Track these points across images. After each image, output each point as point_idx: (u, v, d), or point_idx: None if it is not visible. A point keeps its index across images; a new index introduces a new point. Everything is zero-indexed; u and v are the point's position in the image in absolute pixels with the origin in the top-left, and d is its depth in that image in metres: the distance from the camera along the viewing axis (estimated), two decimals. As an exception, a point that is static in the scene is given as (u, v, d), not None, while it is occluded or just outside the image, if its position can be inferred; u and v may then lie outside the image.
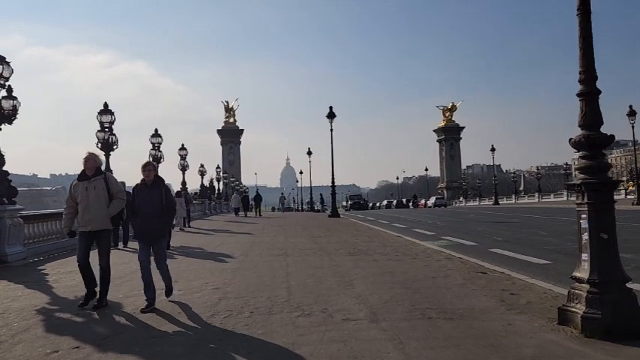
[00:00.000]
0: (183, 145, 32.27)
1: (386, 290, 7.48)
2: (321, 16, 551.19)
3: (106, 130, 17.70)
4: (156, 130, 25.01)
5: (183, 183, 32.00)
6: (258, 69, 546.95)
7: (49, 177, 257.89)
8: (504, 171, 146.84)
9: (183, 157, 32.07)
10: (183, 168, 32.09)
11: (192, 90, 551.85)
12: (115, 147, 18.01)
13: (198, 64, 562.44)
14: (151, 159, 24.93)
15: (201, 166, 40.86)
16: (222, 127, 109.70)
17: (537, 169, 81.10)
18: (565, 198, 60.02)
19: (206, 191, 41.66)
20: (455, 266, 9.92)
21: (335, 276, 8.77)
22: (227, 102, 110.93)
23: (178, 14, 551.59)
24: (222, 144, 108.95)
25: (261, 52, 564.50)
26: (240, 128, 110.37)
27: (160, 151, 25.05)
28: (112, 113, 17.83)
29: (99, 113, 17.69)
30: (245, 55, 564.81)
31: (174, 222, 23.14)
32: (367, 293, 7.26)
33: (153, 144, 24.79)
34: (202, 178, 40.88)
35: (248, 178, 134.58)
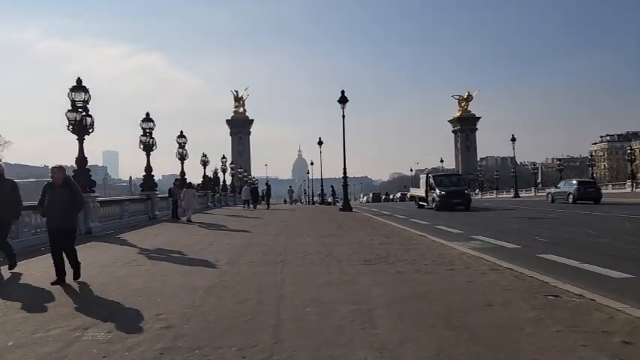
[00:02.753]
0: (182, 132, 29.67)
1: (425, 332, 4.87)
2: (335, 6, 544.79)
3: (80, 110, 15.13)
4: (147, 115, 22.38)
5: (182, 173, 29.49)
6: (271, 60, 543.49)
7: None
8: (519, 163, 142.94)
9: (181, 146, 29.45)
10: (182, 157, 29.47)
11: (205, 82, 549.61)
12: (90, 130, 15.46)
13: (212, 56, 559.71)
14: (142, 147, 22.47)
15: (204, 155, 38.14)
16: (232, 117, 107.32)
17: (559, 161, 77.55)
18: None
19: (210, 182, 39.17)
20: (509, 283, 7.29)
21: (347, 301, 6.16)
22: (236, 91, 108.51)
23: (192, 5, 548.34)
24: (231, 134, 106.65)
25: (274, 43, 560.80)
26: (249, 118, 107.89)
27: (152, 138, 22.44)
28: (86, 91, 15.26)
29: (71, 90, 15.12)
30: (258, 45, 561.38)
31: (190, 213, 21.28)
32: (397, 339, 4.65)
33: (144, 129, 22.22)
34: (205, 168, 38.30)
35: (258, 170, 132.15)
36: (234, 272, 8.32)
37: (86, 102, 15.24)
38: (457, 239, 13.50)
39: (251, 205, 35.59)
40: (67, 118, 14.89)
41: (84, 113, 15.23)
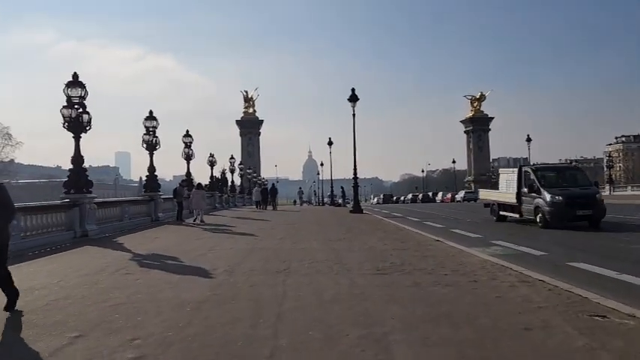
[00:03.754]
0: (187, 131, 28.91)
1: (455, 368, 3.94)
2: (345, 6, 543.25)
3: (76, 106, 14.36)
4: (150, 113, 21.52)
5: (188, 174, 28.75)
6: (281, 62, 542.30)
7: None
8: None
9: (187, 145, 28.69)
10: (188, 157, 28.70)
11: (217, 83, 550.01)
12: (88, 127, 14.68)
13: (222, 59, 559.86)
14: (144, 146, 21.71)
15: (211, 155, 37.21)
16: (242, 117, 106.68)
17: (576, 162, 75.84)
18: (608, 192, 55.35)
19: (217, 183, 38.37)
20: (544, 299, 6.34)
21: (358, 323, 5.24)
22: (246, 92, 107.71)
23: (203, 9, 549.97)
24: (241, 135, 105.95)
25: (284, 45, 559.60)
26: (259, 119, 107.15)
27: (156, 137, 21.69)
28: (83, 86, 14.48)
29: (66, 86, 14.33)
30: (269, 47, 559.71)
31: (198, 215, 20.69)
32: (420, 378, 3.72)
33: (147, 128, 21.44)
34: (212, 168, 37.44)
35: (268, 171, 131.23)
36: (230, 283, 7.43)
37: (83, 98, 14.46)
38: (476, 244, 12.57)
39: (261, 206, 35.97)
40: (62, 115, 14.12)
41: (80, 110, 14.46)
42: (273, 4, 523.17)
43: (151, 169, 22.17)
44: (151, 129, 21.59)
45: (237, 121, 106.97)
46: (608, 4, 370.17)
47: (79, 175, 14.64)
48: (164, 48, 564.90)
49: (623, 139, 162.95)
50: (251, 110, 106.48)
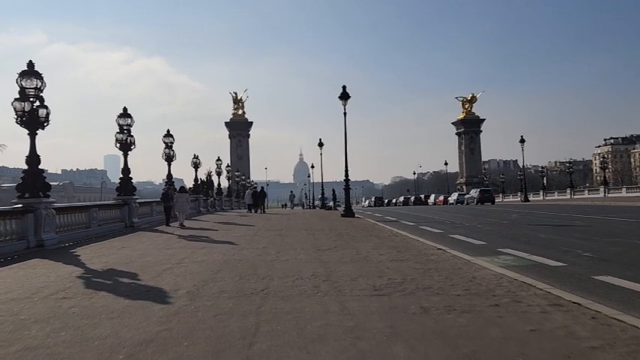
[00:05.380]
0: (168, 130, 27.17)
1: None
2: (337, 9, 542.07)
3: (31, 99, 12.69)
4: (124, 110, 19.75)
5: (169, 176, 27.03)
6: (273, 64, 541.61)
7: (60, 172, 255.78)
8: (521, 167, 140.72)
9: (168, 146, 26.97)
10: (169, 158, 26.98)
11: (207, 86, 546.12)
12: (45, 124, 13.03)
13: (213, 61, 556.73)
14: (118, 145, 20.01)
15: (195, 157, 35.48)
16: (230, 119, 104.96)
17: (569, 164, 74.94)
18: (602, 194, 54.31)
19: (203, 186, 36.67)
20: (592, 332, 4.93)
21: (352, 379, 3.73)
22: (235, 93, 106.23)
23: (194, 11, 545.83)
24: (230, 137, 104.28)
25: (276, 47, 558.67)
26: (249, 120, 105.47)
27: (131, 136, 19.95)
28: (39, 77, 12.82)
29: (19, 76, 12.67)
30: (260, 50, 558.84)
31: (181, 218, 19.39)
32: None
33: (120, 126, 19.69)
34: (196, 170, 35.65)
35: (258, 174, 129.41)
36: (190, 312, 5.87)
37: (39, 90, 12.79)
38: (482, 253, 11.15)
39: (253, 210, 35.29)
40: (14, 109, 12.44)
41: (37, 103, 12.80)
42: (264, 6, 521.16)
43: (125, 170, 20.42)
44: (125, 127, 19.85)
45: (226, 122, 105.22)
46: (601, 6, 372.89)
47: (34, 177, 12.95)
48: (154, 50, 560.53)
49: (612, 141, 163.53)
50: (240, 112, 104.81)
